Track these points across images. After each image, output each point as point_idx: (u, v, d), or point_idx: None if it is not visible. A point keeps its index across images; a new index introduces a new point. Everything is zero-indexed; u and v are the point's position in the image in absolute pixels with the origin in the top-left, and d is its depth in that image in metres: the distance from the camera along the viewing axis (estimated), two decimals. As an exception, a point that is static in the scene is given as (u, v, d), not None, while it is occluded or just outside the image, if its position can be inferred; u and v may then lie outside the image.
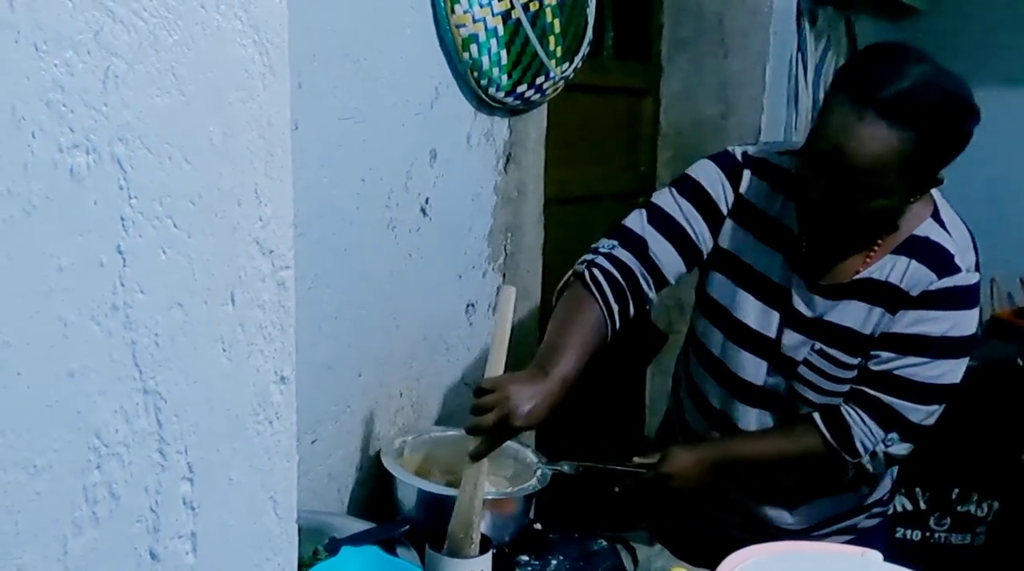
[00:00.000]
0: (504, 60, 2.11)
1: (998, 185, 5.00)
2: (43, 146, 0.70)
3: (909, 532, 3.74)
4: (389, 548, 1.65)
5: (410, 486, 1.84)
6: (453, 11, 1.99)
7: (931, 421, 1.86)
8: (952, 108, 1.70)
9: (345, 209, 1.88)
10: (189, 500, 0.86)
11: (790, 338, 1.91)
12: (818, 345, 1.88)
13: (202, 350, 0.86)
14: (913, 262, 1.81)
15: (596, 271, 1.89)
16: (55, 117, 0.70)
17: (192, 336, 0.85)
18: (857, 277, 1.85)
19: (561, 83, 2.33)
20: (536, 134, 2.42)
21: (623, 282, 1.89)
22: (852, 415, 1.84)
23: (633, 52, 3.30)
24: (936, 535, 3.74)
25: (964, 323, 1.82)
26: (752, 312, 1.95)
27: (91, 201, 0.74)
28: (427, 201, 2.09)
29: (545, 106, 2.43)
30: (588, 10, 2.36)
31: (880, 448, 1.84)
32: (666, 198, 1.95)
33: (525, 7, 2.12)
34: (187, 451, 0.85)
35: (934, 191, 1.88)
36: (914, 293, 1.80)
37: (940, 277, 1.79)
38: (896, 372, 1.82)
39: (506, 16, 2.08)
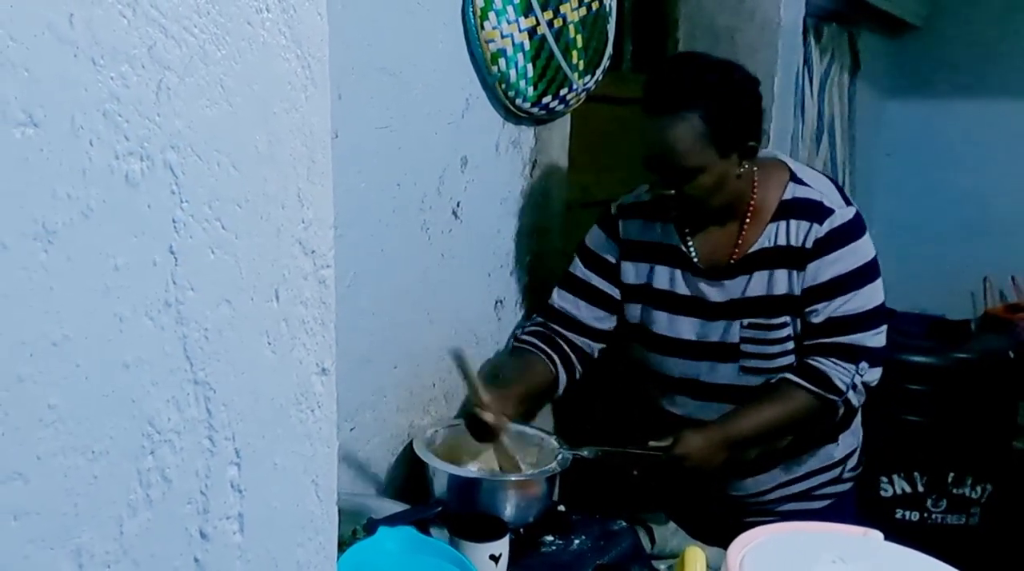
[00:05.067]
0: (530, 73, 2.10)
1: (991, 189, 4.97)
2: (100, 153, 0.69)
3: (908, 513, 3.72)
4: (423, 528, 1.65)
5: (442, 472, 1.84)
6: (483, 27, 1.99)
7: (883, 341, 1.95)
8: (728, 83, 1.86)
9: (382, 212, 1.88)
10: (236, 483, 0.86)
11: (715, 329, 2.00)
12: (745, 320, 1.97)
13: (248, 344, 0.86)
14: (791, 221, 1.93)
15: (525, 337, 2.16)
16: (111, 126, 0.70)
17: (239, 331, 0.84)
18: (751, 251, 1.96)
19: (583, 94, 2.32)
20: (560, 142, 2.42)
21: (556, 342, 2.13)
22: (821, 362, 1.91)
23: (650, 65, 3.29)
24: (933, 516, 3.71)
25: (863, 251, 1.93)
26: (669, 324, 2.07)
27: (145, 205, 0.73)
28: (458, 204, 2.08)
29: (568, 116, 2.42)
30: (608, 26, 2.35)
31: (857, 379, 1.91)
32: (574, 267, 2.18)
33: (550, 23, 2.11)
34: (235, 438, 0.85)
35: (787, 160, 2.02)
36: (808, 245, 1.91)
37: (820, 223, 1.90)
38: (834, 316, 1.91)
39: (532, 32, 2.07)
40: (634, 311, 2.12)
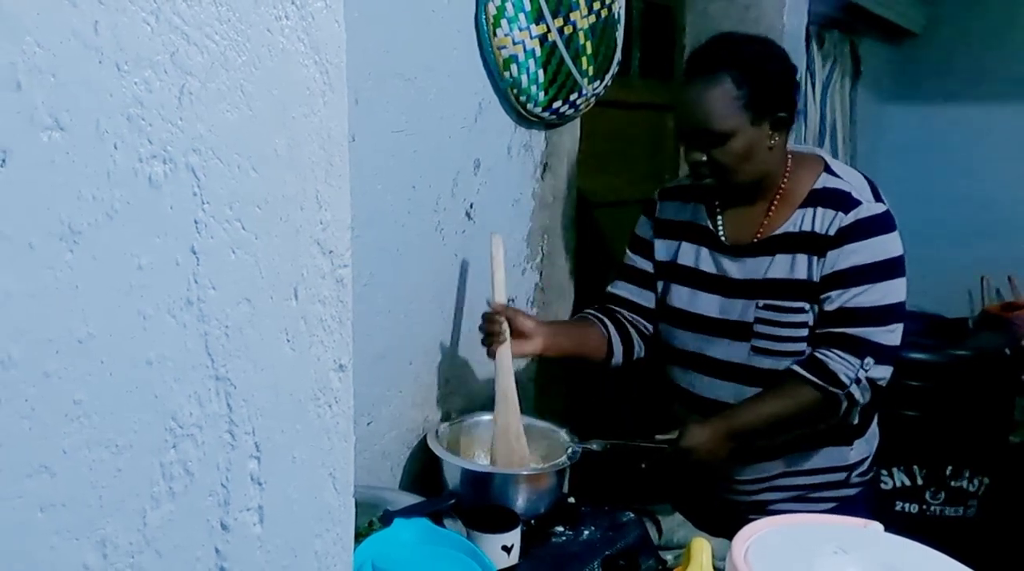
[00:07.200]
0: (541, 78, 2.10)
1: (989, 191, 4.96)
2: (124, 156, 0.69)
3: (907, 505, 3.70)
4: (437, 520, 1.65)
5: (455, 465, 1.84)
6: (495, 34, 1.98)
7: (896, 340, 1.91)
8: (757, 50, 1.90)
9: (397, 213, 1.87)
10: (256, 476, 0.86)
11: (733, 307, 2.00)
12: (761, 302, 1.96)
13: (268, 341, 0.85)
14: (818, 209, 1.92)
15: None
16: (135, 130, 0.70)
17: (259, 328, 0.84)
18: (776, 233, 1.95)
19: (592, 99, 2.32)
20: (570, 145, 2.41)
21: (614, 315, 2.18)
22: (826, 354, 1.89)
23: (657, 71, 3.28)
24: (932, 508, 3.70)
25: (885, 246, 1.89)
26: (689, 298, 2.07)
27: (167, 206, 0.73)
28: (472, 206, 2.08)
29: (578, 120, 2.41)
30: (617, 33, 2.34)
31: (862, 374, 1.88)
32: (625, 254, 2.23)
33: (560, 30, 2.10)
34: (255, 432, 0.85)
35: (825, 155, 2.02)
36: (831, 233, 1.89)
37: (846, 213, 1.89)
38: (846, 305, 1.88)
39: (543, 39, 2.07)
40: (659, 286, 2.15)
